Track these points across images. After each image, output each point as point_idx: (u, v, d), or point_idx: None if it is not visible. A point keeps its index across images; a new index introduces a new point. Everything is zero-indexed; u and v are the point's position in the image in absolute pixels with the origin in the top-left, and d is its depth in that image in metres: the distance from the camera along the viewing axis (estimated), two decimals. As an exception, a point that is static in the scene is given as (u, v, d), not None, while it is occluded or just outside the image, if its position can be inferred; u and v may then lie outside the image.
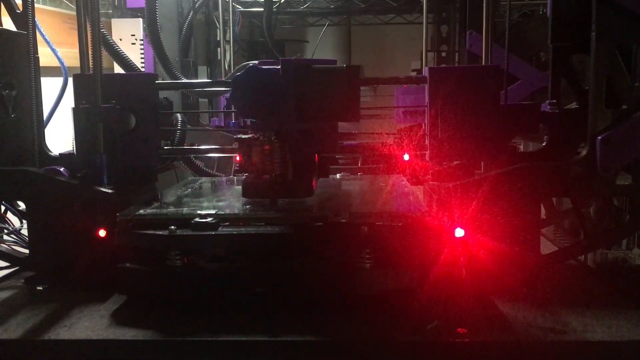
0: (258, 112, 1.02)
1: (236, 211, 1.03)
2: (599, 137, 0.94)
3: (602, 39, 0.94)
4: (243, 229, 0.95)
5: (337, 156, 1.27)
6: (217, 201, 1.13)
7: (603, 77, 0.95)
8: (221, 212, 0.99)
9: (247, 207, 1.05)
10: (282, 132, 1.02)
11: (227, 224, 0.96)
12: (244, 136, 1.04)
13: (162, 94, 1.24)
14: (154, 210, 1.03)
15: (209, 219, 0.95)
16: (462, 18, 2.05)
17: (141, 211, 1.01)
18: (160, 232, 0.94)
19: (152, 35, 1.47)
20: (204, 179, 1.42)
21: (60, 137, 1.39)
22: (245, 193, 1.06)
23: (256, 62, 1.07)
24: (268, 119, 1.02)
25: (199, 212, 0.99)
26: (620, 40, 0.94)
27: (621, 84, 0.95)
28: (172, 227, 0.93)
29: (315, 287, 0.93)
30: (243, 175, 1.11)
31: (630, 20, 0.93)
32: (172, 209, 1.05)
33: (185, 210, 1.04)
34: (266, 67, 1.02)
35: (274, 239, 0.94)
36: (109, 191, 1.04)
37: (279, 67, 1.01)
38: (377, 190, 1.25)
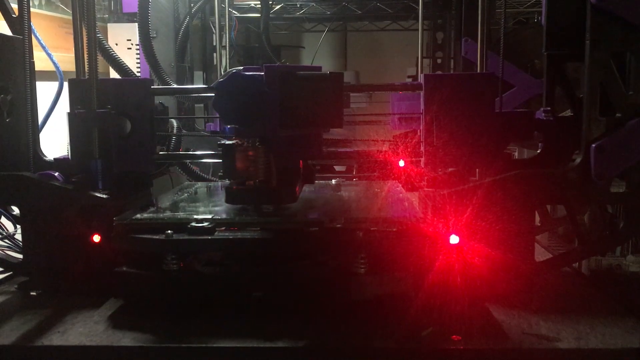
0: (240, 118, 1.02)
1: (232, 216, 1.03)
2: (593, 145, 0.95)
3: (596, 47, 0.94)
4: (239, 233, 0.96)
5: (333, 163, 1.27)
6: (213, 206, 1.13)
7: (597, 85, 0.95)
8: (217, 217, 1.00)
9: (243, 212, 1.05)
10: (266, 138, 1.02)
11: (223, 228, 0.97)
12: (227, 142, 1.04)
13: (158, 99, 1.24)
14: (151, 214, 1.04)
15: (205, 224, 0.95)
16: (457, 25, 2.06)
17: (138, 215, 1.01)
18: (157, 237, 0.94)
19: (143, 39, 1.47)
20: (199, 184, 1.42)
21: (55, 142, 1.39)
22: (228, 199, 1.06)
23: (240, 68, 1.07)
24: (251, 125, 1.02)
25: (195, 216, 0.99)
26: (615, 49, 0.95)
27: (615, 92, 0.95)
28: (169, 231, 0.94)
29: (310, 291, 0.93)
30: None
31: (625, 28, 0.93)
32: (168, 214, 1.06)
33: (181, 214, 1.04)
34: (249, 73, 1.02)
35: (270, 244, 0.94)
36: (104, 196, 1.04)
37: (263, 73, 1.01)
38: (372, 196, 1.26)
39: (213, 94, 1.58)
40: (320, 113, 1.00)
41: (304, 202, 1.13)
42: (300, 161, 1.11)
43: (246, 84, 1.00)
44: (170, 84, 1.54)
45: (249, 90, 0.99)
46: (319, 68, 1.05)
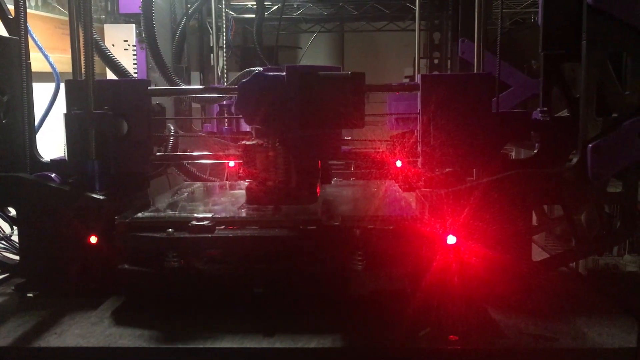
0: (263, 118, 1.02)
1: (232, 214, 1.03)
2: (590, 145, 0.95)
3: (593, 47, 0.94)
4: (239, 231, 0.96)
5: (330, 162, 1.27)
6: (213, 205, 1.13)
7: (594, 85, 0.95)
8: (217, 216, 1.00)
9: (242, 210, 1.05)
10: (286, 139, 1.02)
11: (222, 227, 0.97)
12: (247, 142, 1.05)
13: (155, 100, 1.24)
14: (152, 213, 1.04)
15: (206, 222, 0.95)
16: (454, 25, 2.06)
17: (139, 214, 1.02)
18: (158, 235, 0.95)
19: (150, 40, 1.47)
20: (197, 184, 1.42)
21: (51, 143, 1.38)
22: (248, 199, 1.06)
23: (261, 68, 1.07)
24: (272, 126, 1.02)
25: (195, 215, 0.99)
26: (611, 49, 0.95)
27: (612, 92, 0.95)
28: (170, 229, 0.95)
29: (308, 289, 0.94)
30: (238, 181, 1.11)
31: (621, 28, 0.93)
32: (169, 212, 1.06)
33: (182, 213, 1.04)
34: (272, 74, 1.02)
35: (269, 242, 0.95)
36: (101, 197, 1.04)
37: (284, 73, 1.01)
38: (370, 195, 1.26)
39: (211, 95, 1.60)
40: (341, 113, 1.00)
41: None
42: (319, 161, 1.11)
43: (268, 84, 1.00)
44: (179, 84, 1.54)
45: (271, 91, 0.99)
46: (338, 68, 1.05)
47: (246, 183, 1.09)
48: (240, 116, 1.09)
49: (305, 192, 1.05)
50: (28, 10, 1.16)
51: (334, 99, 1.00)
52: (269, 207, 1.05)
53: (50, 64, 1.31)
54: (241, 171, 1.07)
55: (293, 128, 1.01)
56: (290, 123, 1.01)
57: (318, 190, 1.10)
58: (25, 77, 1.14)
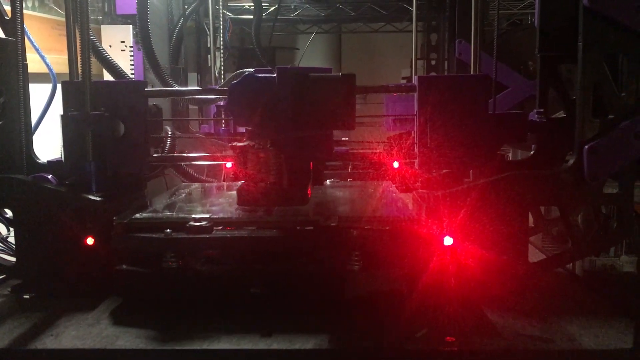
0: (254, 120, 1.02)
1: (229, 215, 1.04)
2: (586, 146, 0.95)
3: (589, 48, 0.95)
4: (236, 232, 0.97)
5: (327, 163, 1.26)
6: (210, 206, 1.13)
7: (590, 86, 0.95)
8: (215, 216, 1.00)
9: (240, 211, 1.06)
10: (278, 140, 1.02)
11: (220, 227, 0.97)
12: (239, 144, 1.05)
13: (152, 101, 1.24)
14: (150, 214, 1.05)
15: (204, 223, 0.95)
16: (451, 27, 2.07)
17: (137, 215, 1.02)
18: (156, 235, 0.95)
19: (144, 41, 1.47)
20: (194, 185, 1.42)
21: (48, 144, 1.38)
22: (240, 201, 1.06)
23: (252, 70, 1.07)
24: (264, 127, 1.02)
25: (193, 215, 1.00)
26: (607, 50, 0.95)
27: (608, 93, 0.96)
28: (168, 230, 0.95)
29: (306, 289, 0.94)
30: (235, 182, 1.11)
31: (617, 30, 0.93)
32: (167, 213, 1.06)
33: (179, 214, 1.05)
34: (262, 75, 1.02)
35: (266, 242, 0.95)
36: (98, 199, 1.04)
37: (275, 75, 1.01)
38: (367, 196, 1.26)
39: (209, 97, 1.60)
40: (332, 114, 1.00)
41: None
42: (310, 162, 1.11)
43: (259, 85, 1.00)
44: (173, 86, 1.54)
45: (262, 92, 0.99)
46: (329, 70, 1.05)
47: (243, 184, 1.09)
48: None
49: (296, 193, 1.05)
50: (25, 11, 1.16)
51: (325, 101, 1.00)
52: (262, 208, 1.05)
53: (47, 65, 1.31)
54: (232, 172, 1.07)
55: (284, 129, 1.01)
56: (282, 124, 1.01)
57: (309, 191, 1.10)
58: (21, 78, 1.14)
